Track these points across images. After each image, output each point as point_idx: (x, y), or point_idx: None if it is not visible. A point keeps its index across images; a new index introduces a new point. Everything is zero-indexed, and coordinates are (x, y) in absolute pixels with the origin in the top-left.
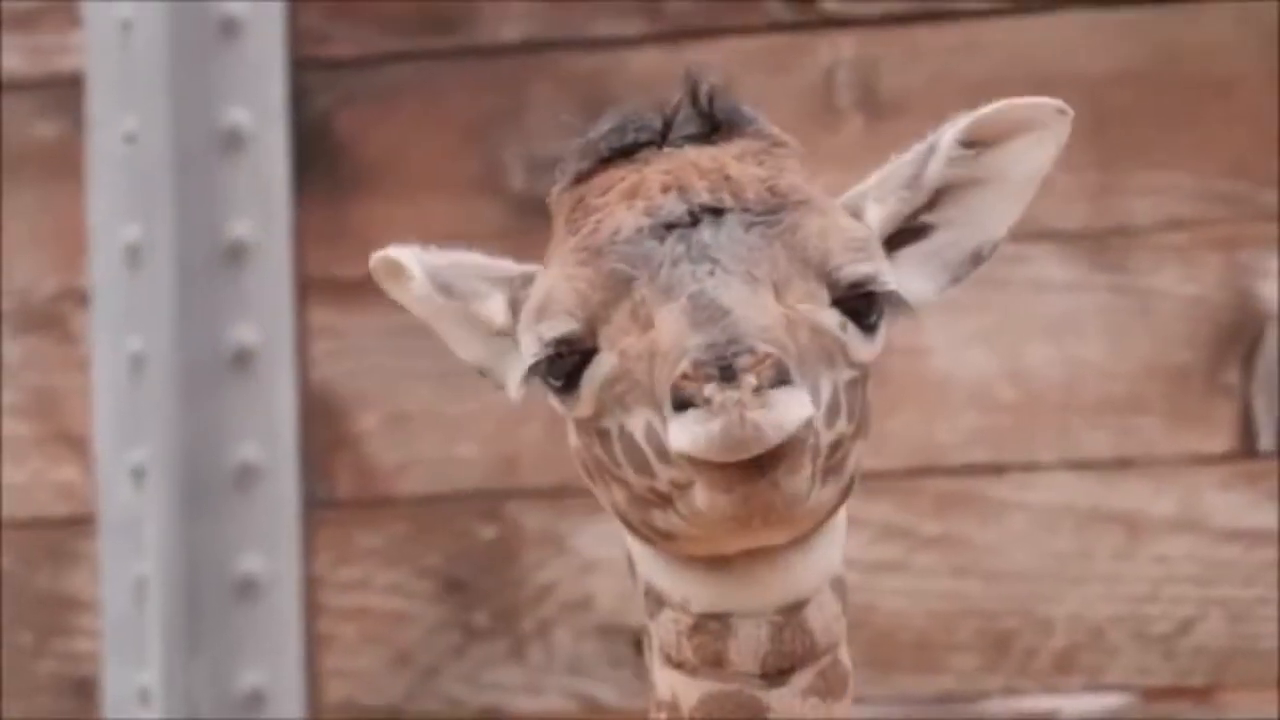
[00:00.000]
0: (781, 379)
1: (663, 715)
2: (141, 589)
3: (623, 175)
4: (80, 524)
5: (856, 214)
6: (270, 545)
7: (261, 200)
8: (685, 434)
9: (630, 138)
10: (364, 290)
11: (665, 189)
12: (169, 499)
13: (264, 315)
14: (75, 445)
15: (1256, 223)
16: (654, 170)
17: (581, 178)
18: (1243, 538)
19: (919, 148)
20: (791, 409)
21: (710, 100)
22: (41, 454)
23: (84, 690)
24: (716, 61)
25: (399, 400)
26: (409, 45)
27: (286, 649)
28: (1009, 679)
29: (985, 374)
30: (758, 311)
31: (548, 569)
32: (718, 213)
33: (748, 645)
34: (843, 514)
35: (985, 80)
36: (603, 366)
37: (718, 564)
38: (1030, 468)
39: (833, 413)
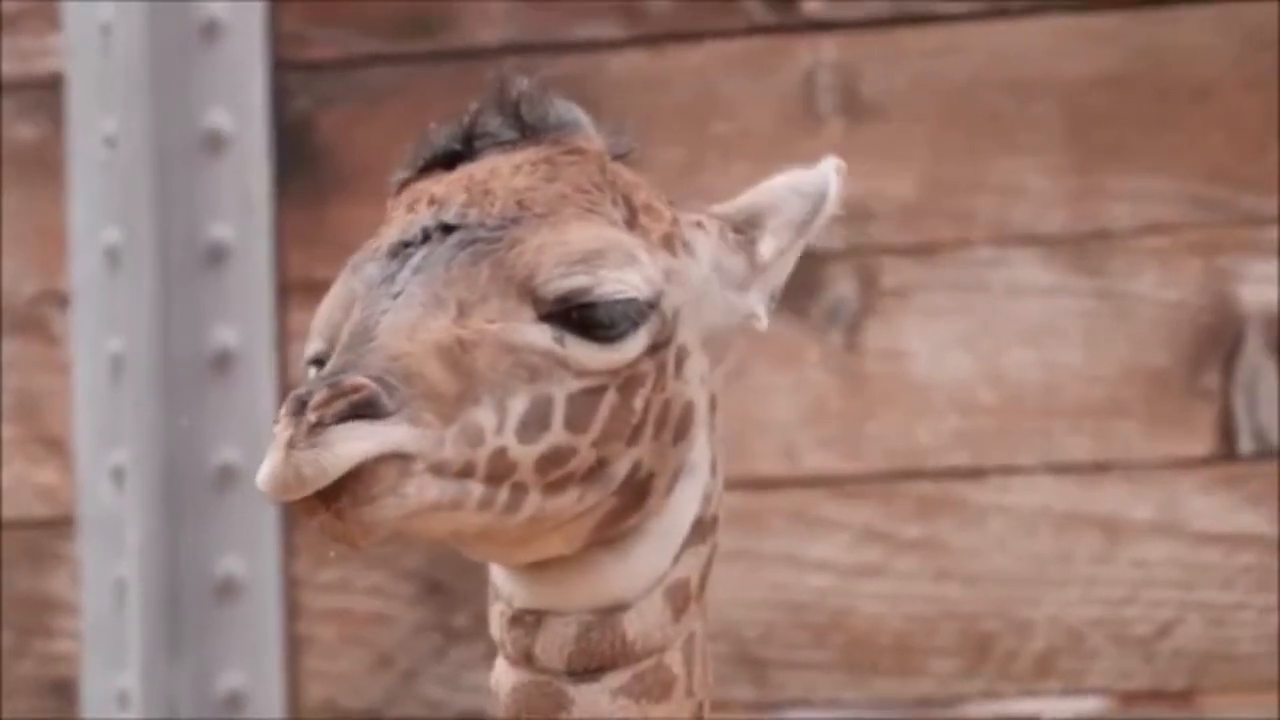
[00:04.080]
0: (358, 413)
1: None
2: (121, 591)
3: (424, 187)
4: (60, 525)
5: (726, 231)
6: (250, 547)
7: (242, 202)
8: (260, 468)
9: (441, 146)
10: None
11: (431, 202)
12: (149, 500)
13: (244, 317)
14: (55, 447)
15: (1236, 227)
16: (438, 182)
17: (403, 187)
18: (1222, 541)
19: (805, 188)
20: (346, 446)
21: (517, 105)
22: (21, 455)
23: (63, 692)
24: (697, 64)
25: None
26: (390, 48)
27: (267, 651)
28: (988, 682)
29: (965, 378)
30: (406, 339)
31: None
32: (448, 229)
33: (553, 642)
34: (675, 519)
35: (966, 83)
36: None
37: (531, 568)
38: (1010, 471)
39: (533, 426)
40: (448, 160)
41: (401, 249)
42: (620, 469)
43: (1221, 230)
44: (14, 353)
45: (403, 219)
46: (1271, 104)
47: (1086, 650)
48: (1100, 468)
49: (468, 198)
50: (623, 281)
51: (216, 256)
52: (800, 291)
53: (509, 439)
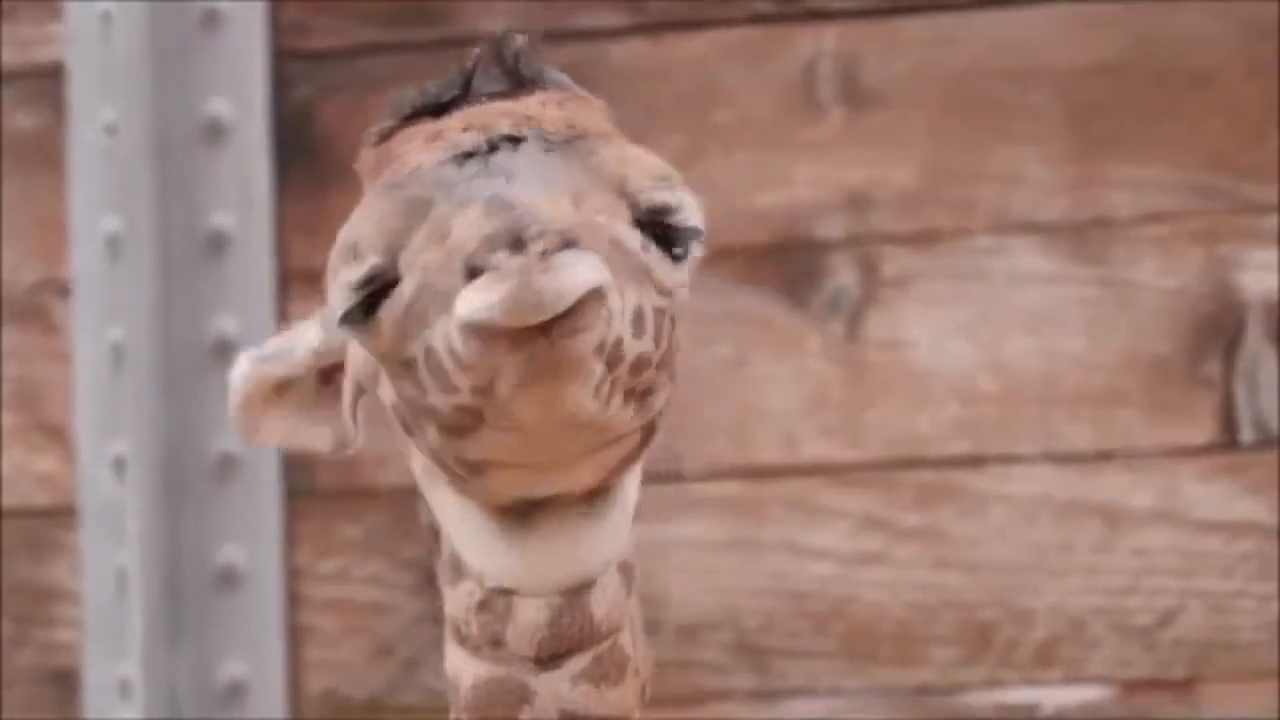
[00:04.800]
0: (569, 243)
1: (451, 697)
2: (122, 580)
3: (427, 127)
4: (60, 514)
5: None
6: (251, 536)
7: (242, 191)
8: (468, 301)
9: (433, 94)
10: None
11: (467, 129)
12: (150, 490)
13: (245, 306)
14: (56, 436)
15: (1236, 215)
16: (456, 119)
17: (386, 135)
18: (1223, 530)
19: None
20: (579, 271)
21: (515, 58)
22: (22, 444)
23: (64, 681)
24: (697, 53)
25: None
26: (391, 37)
27: (268, 640)
28: (989, 671)
29: (965, 366)
30: (550, 208)
31: None
32: (515, 141)
33: (525, 628)
34: (633, 488)
35: (966, 72)
36: (404, 291)
37: (516, 526)
38: (1010, 460)
39: (639, 323)
40: (435, 111)
41: (466, 159)
42: (659, 400)
43: (1222, 218)
44: (14, 342)
45: (430, 148)
46: (1272, 92)
47: (1087, 639)
48: (1101, 456)
49: (512, 121)
50: (695, 206)
51: (217, 245)
52: (801, 280)
53: (626, 329)
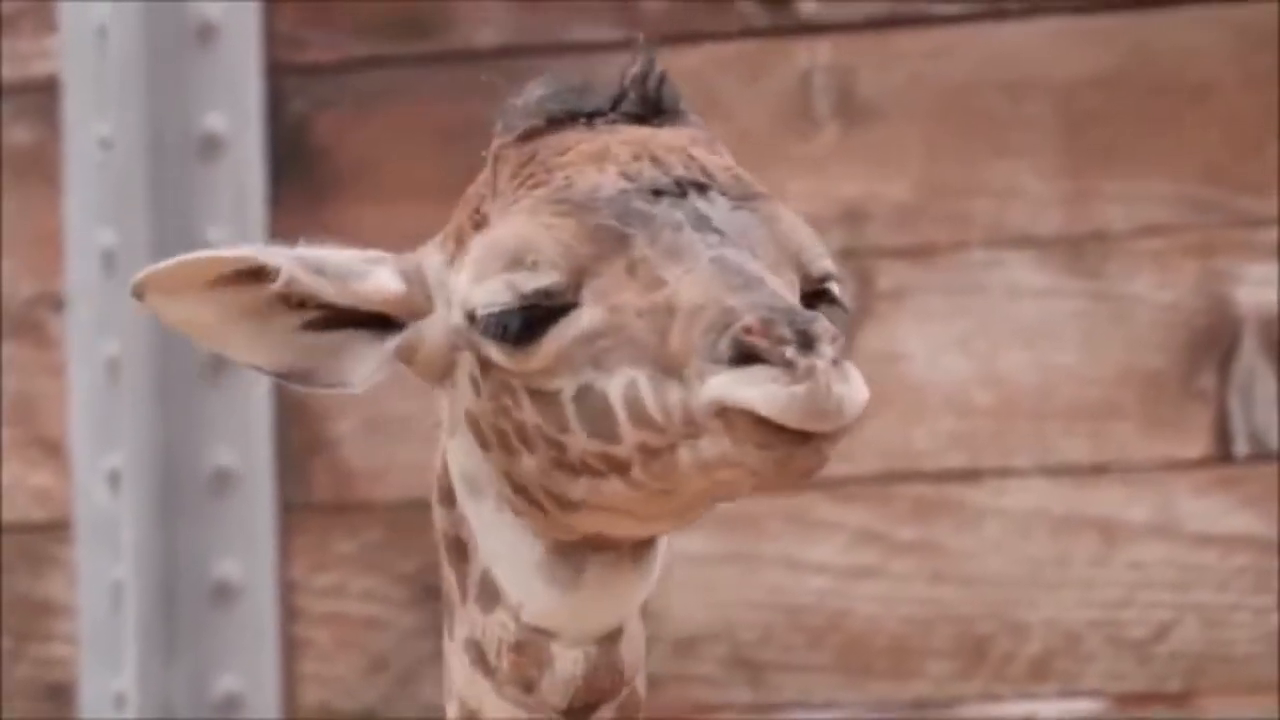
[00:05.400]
0: (843, 351)
1: (453, 713)
2: (118, 594)
3: (579, 139)
4: (56, 528)
5: None
6: (246, 550)
7: (238, 205)
8: (756, 390)
9: (580, 102)
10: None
11: (636, 157)
12: (145, 504)
13: None
14: (51, 450)
15: (1231, 228)
16: (615, 140)
17: (530, 135)
18: (1218, 543)
19: None
20: (861, 386)
21: (658, 85)
22: (18, 458)
23: (60, 695)
24: (692, 66)
25: (375, 405)
26: (385, 50)
27: (263, 654)
28: (985, 684)
29: (961, 380)
30: (783, 288)
31: None
32: (702, 189)
33: (562, 681)
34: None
35: (961, 85)
36: (582, 322)
37: (567, 567)
38: (1006, 473)
39: None
40: (573, 117)
41: (656, 197)
42: None
43: (1217, 232)
44: (10, 355)
45: (600, 168)
46: (1268, 105)
47: (1083, 652)
48: (1096, 469)
49: (680, 160)
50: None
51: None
52: None
53: None
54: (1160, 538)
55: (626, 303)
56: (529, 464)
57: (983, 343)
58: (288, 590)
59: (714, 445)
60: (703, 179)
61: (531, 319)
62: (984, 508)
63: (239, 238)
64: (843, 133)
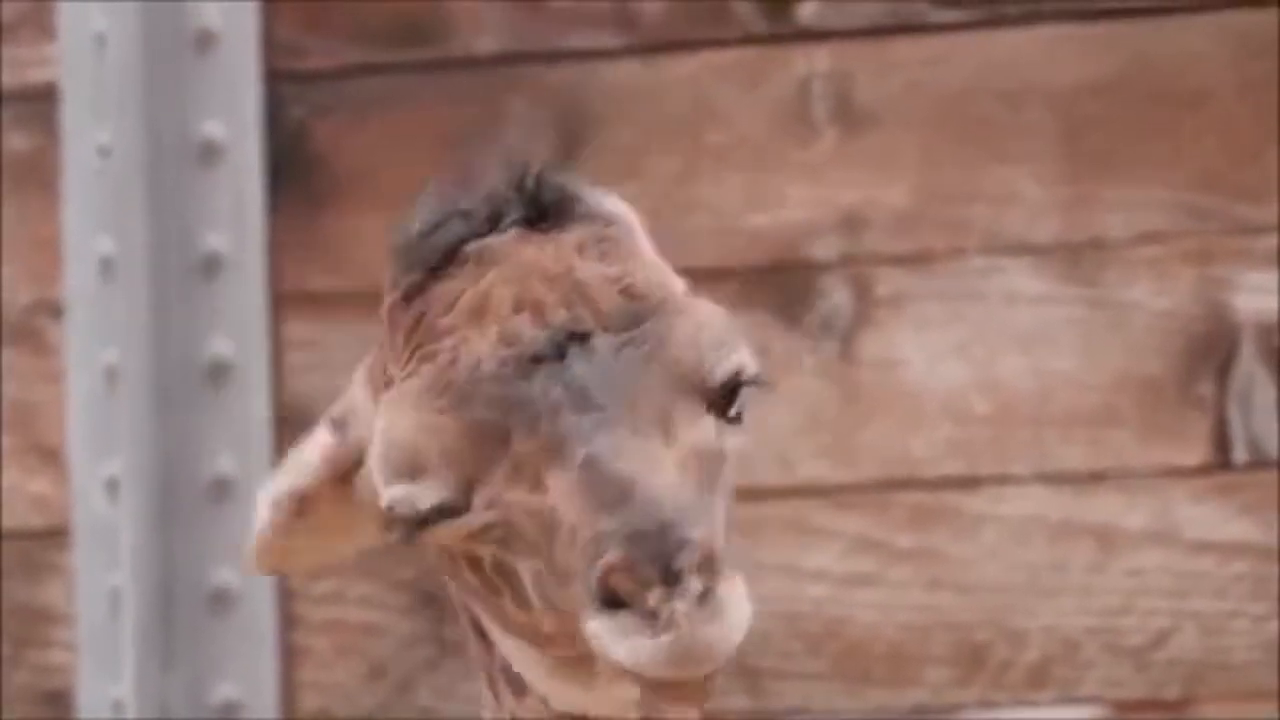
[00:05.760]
0: (719, 570)
1: None
2: (116, 601)
3: (461, 287)
4: (54, 536)
5: None
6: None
7: (236, 213)
8: (621, 645)
9: (454, 235)
10: (339, 303)
11: (517, 308)
12: (143, 511)
13: (239, 328)
14: (49, 457)
15: (1230, 236)
16: (498, 282)
17: (415, 292)
18: (1216, 550)
19: None
20: (738, 612)
21: (536, 184)
22: (15, 466)
23: (58, 702)
24: (690, 73)
25: None
26: (384, 58)
27: (261, 661)
28: (983, 692)
29: (959, 387)
30: (661, 478)
31: None
32: (582, 338)
33: None
34: None
35: (959, 92)
36: (475, 520)
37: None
38: (1004, 480)
39: (728, 535)
40: (452, 253)
41: (532, 366)
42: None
43: (1216, 239)
44: (8, 363)
45: (480, 328)
46: (1265, 112)
47: (1081, 659)
48: (1094, 477)
49: (562, 297)
50: (750, 353)
51: (211, 267)
52: (794, 301)
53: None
54: (1158, 545)
55: (515, 502)
56: (499, 607)
57: (980, 349)
58: (286, 597)
59: (608, 667)
60: (583, 325)
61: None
62: (982, 515)
63: (238, 245)
64: (841, 139)
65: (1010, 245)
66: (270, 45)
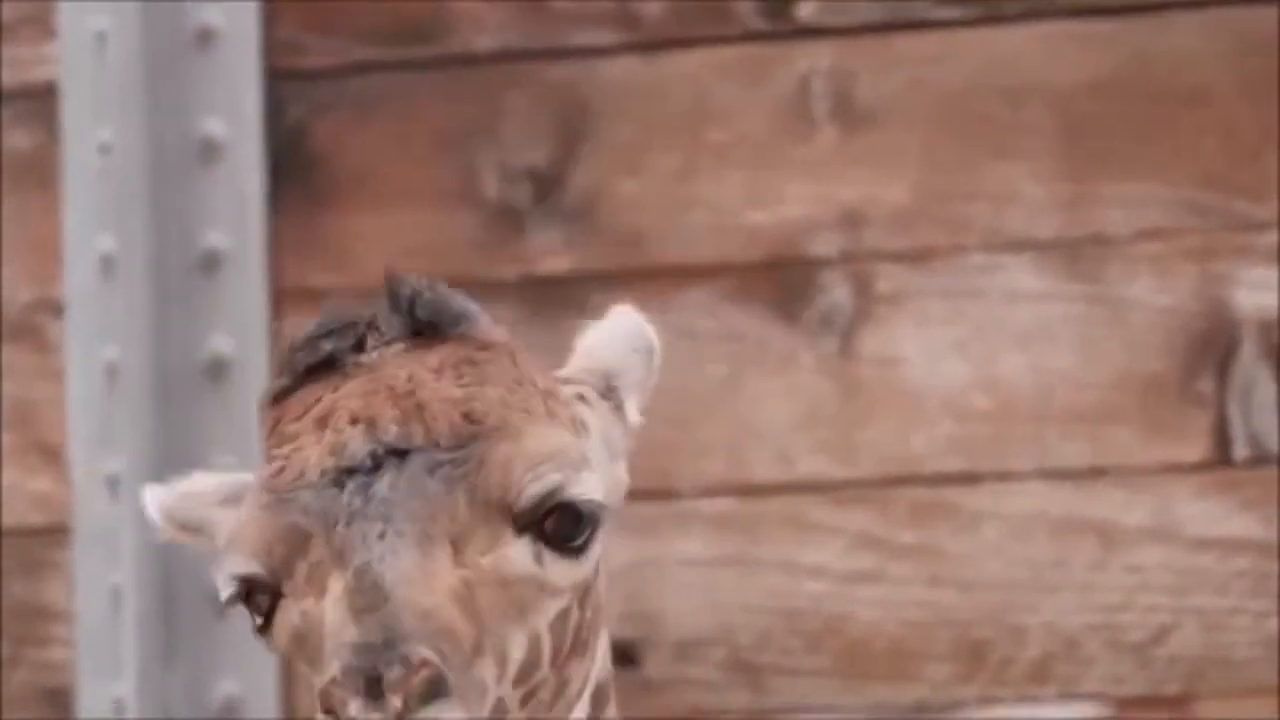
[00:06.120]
0: (435, 693)
1: None
2: (117, 599)
3: (318, 395)
4: (55, 534)
5: (589, 393)
6: None
7: (237, 210)
8: None
9: (326, 349)
10: (339, 301)
11: (354, 420)
12: (144, 509)
13: (239, 325)
14: (50, 455)
15: (1230, 233)
16: (347, 394)
17: (282, 395)
18: (1217, 547)
19: (637, 344)
20: None
21: (411, 303)
22: (16, 464)
23: (58, 700)
24: (691, 70)
25: None
26: (384, 56)
27: (262, 659)
28: (984, 688)
29: (959, 384)
30: (423, 591)
31: None
32: (402, 454)
33: None
34: (582, 711)
35: (959, 90)
36: (289, 618)
37: None
38: (1004, 477)
39: (528, 669)
40: (329, 362)
41: (347, 477)
42: (576, 685)
43: (1216, 236)
44: (8, 361)
45: (319, 437)
46: (1265, 110)
47: (1082, 656)
48: (1095, 473)
49: (400, 414)
50: (586, 483)
51: (211, 264)
52: (794, 298)
53: (506, 688)
54: (1159, 541)
55: (309, 610)
56: None
57: (981, 346)
58: None
59: None
60: (409, 442)
61: (265, 607)
62: (982, 511)
63: (238, 243)
64: (841, 137)
65: (1011, 242)
66: (270, 44)
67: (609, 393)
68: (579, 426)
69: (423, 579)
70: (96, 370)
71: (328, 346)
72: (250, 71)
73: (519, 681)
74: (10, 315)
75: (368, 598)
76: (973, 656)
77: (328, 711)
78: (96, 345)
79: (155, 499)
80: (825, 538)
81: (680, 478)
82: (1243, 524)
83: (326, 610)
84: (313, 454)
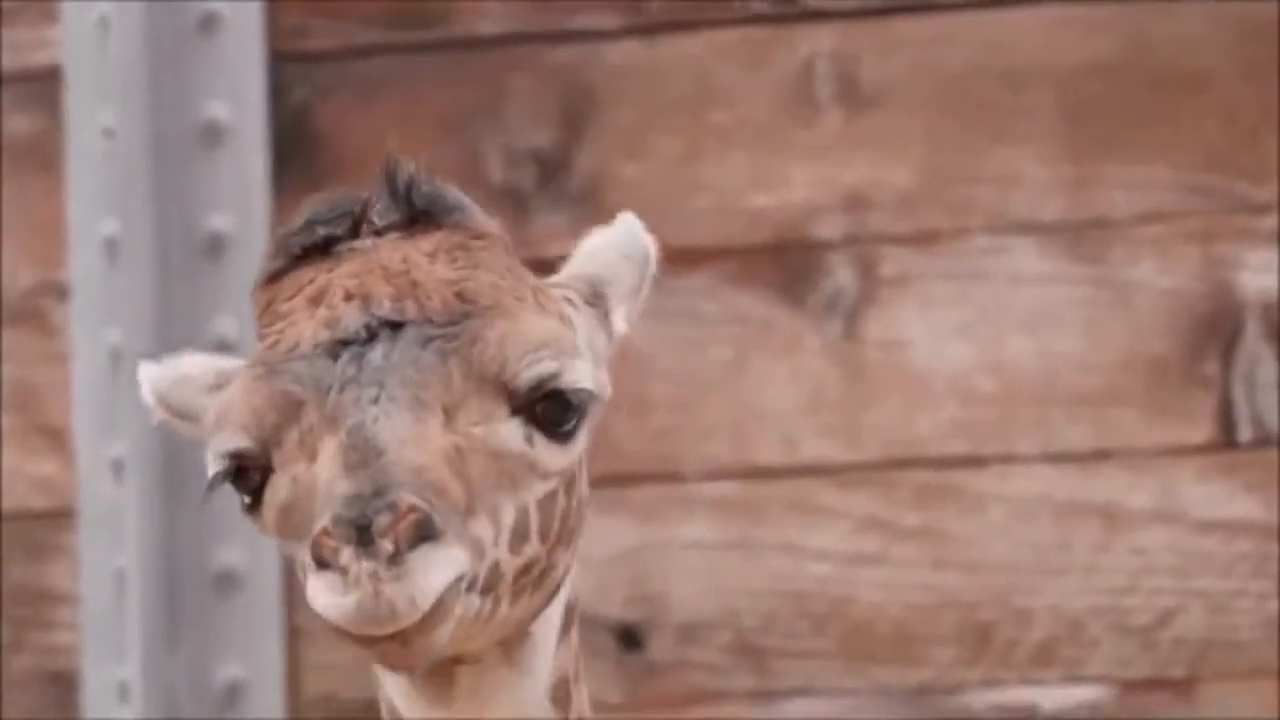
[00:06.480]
0: (424, 535)
1: None
2: (121, 582)
3: (312, 276)
4: (59, 517)
5: (575, 298)
6: (249, 538)
7: (240, 194)
8: (320, 599)
9: (321, 232)
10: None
11: (348, 297)
12: (148, 492)
13: (243, 309)
14: (54, 438)
15: (1233, 215)
16: (342, 274)
17: (275, 277)
18: (1221, 529)
19: (631, 253)
20: (431, 576)
21: (408, 189)
22: (20, 447)
23: (63, 683)
24: (694, 53)
25: None
26: (388, 38)
27: (266, 642)
28: (988, 671)
29: (964, 366)
30: (415, 449)
31: None
32: (396, 326)
33: None
34: (553, 618)
35: (963, 73)
36: (279, 490)
37: (438, 683)
38: (1009, 460)
39: (519, 537)
40: (323, 246)
41: (341, 348)
42: (560, 572)
43: (1220, 218)
44: (12, 344)
45: (312, 314)
46: (1267, 93)
47: (1086, 639)
48: (1099, 456)
49: (394, 291)
50: (579, 371)
51: (215, 247)
52: (798, 281)
53: (502, 552)
54: (1163, 524)
55: (300, 475)
56: None
57: (985, 329)
58: (291, 578)
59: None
60: (403, 315)
61: (254, 484)
62: (987, 494)
63: (242, 225)
64: (845, 120)
65: (1015, 225)
66: (274, 27)
67: (596, 300)
68: (566, 323)
69: (415, 439)
70: (101, 353)
71: (323, 230)
72: (253, 54)
73: (513, 549)
74: (13, 299)
75: (360, 454)
76: (977, 639)
77: (319, 563)
78: (101, 328)
79: (150, 379)
80: (830, 520)
81: (685, 461)
82: (1246, 506)
83: (319, 469)
84: (306, 328)
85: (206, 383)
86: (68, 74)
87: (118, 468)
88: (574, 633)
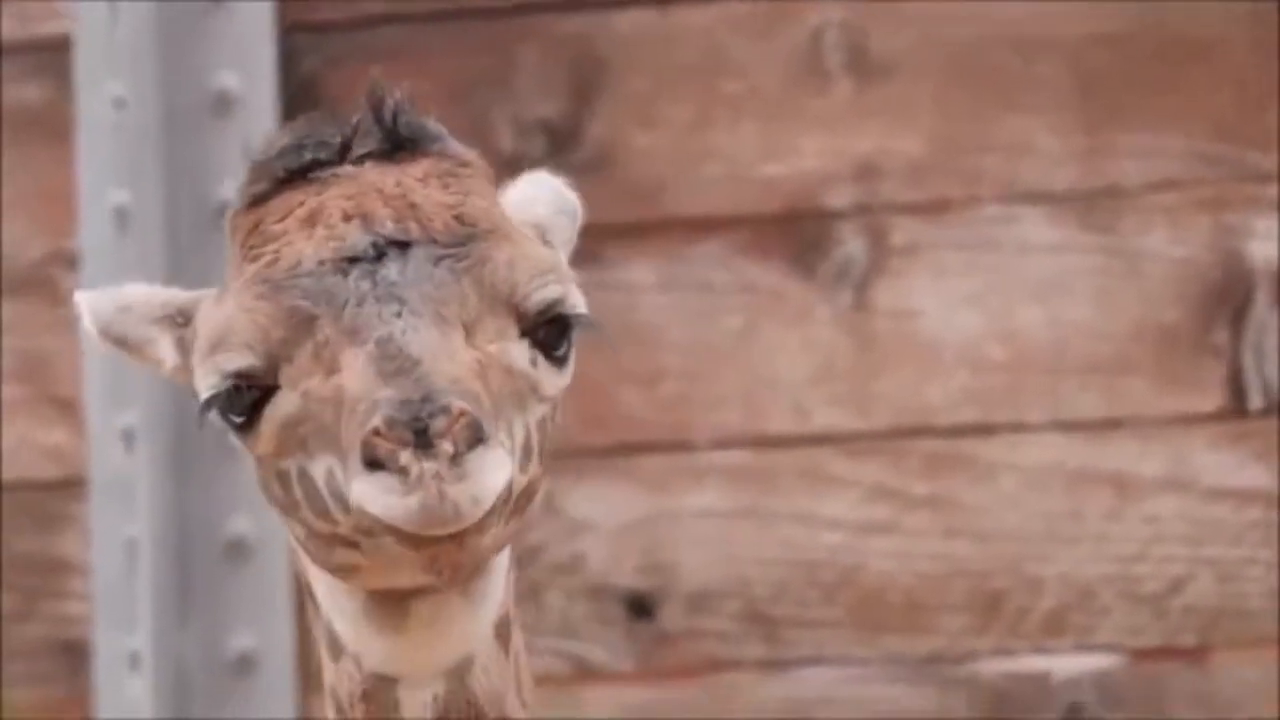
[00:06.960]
0: (478, 438)
1: None
2: (132, 551)
3: (301, 199)
4: (70, 486)
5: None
6: (260, 507)
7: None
8: (378, 501)
9: (308, 156)
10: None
11: (347, 217)
12: (159, 461)
13: None
14: (65, 408)
15: (1244, 183)
16: (334, 195)
17: (258, 200)
18: (1232, 497)
19: (564, 206)
20: (490, 476)
21: (394, 117)
22: (31, 417)
23: (74, 653)
24: (704, 24)
25: None
26: (397, 8)
27: (277, 611)
28: (999, 639)
29: (974, 335)
30: (448, 361)
31: (536, 531)
32: (403, 246)
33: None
34: (507, 552)
35: (973, 42)
36: (283, 405)
37: (392, 612)
38: (1019, 428)
39: (526, 456)
40: (303, 173)
41: (350, 265)
42: (538, 500)
43: (1229, 186)
44: (22, 314)
45: (309, 233)
46: (1275, 61)
47: (1097, 607)
48: (1110, 424)
49: (394, 212)
50: (577, 297)
51: (225, 217)
52: (809, 250)
53: (514, 469)
54: (1174, 492)
55: (314, 389)
56: (297, 532)
57: (996, 298)
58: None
59: (378, 541)
60: (408, 235)
61: (248, 403)
62: (998, 463)
63: None
64: (856, 89)
65: (1025, 194)
66: None
67: (544, 244)
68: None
69: (446, 352)
70: None
71: (308, 155)
72: (263, 24)
73: (521, 468)
74: (23, 268)
75: (396, 363)
76: (988, 607)
77: (372, 464)
78: None
79: (91, 309)
80: (840, 489)
81: (695, 430)
82: (1257, 474)
83: (347, 380)
84: (307, 246)
85: (151, 313)
86: (78, 44)
87: (128, 437)
88: (514, 571)
